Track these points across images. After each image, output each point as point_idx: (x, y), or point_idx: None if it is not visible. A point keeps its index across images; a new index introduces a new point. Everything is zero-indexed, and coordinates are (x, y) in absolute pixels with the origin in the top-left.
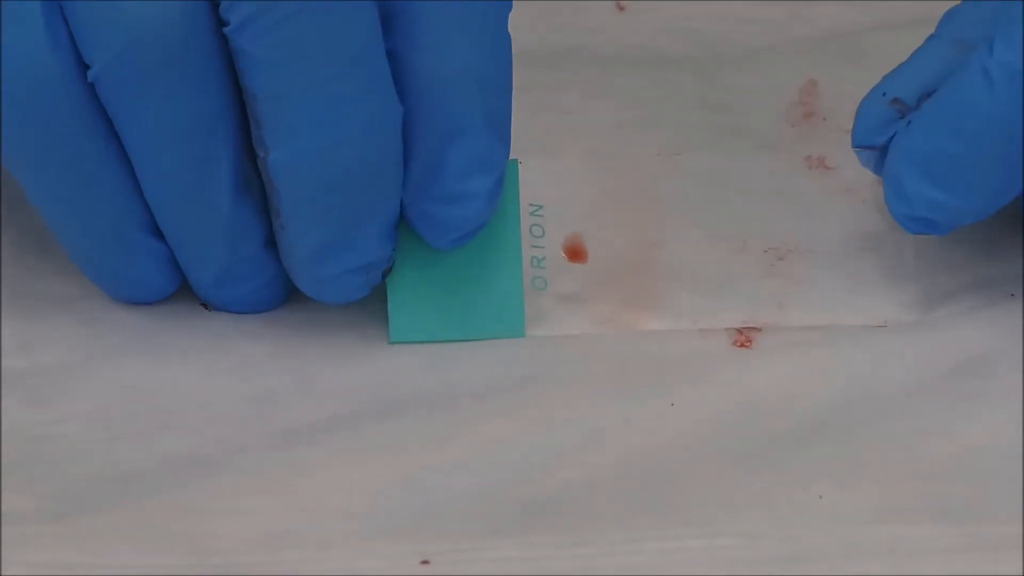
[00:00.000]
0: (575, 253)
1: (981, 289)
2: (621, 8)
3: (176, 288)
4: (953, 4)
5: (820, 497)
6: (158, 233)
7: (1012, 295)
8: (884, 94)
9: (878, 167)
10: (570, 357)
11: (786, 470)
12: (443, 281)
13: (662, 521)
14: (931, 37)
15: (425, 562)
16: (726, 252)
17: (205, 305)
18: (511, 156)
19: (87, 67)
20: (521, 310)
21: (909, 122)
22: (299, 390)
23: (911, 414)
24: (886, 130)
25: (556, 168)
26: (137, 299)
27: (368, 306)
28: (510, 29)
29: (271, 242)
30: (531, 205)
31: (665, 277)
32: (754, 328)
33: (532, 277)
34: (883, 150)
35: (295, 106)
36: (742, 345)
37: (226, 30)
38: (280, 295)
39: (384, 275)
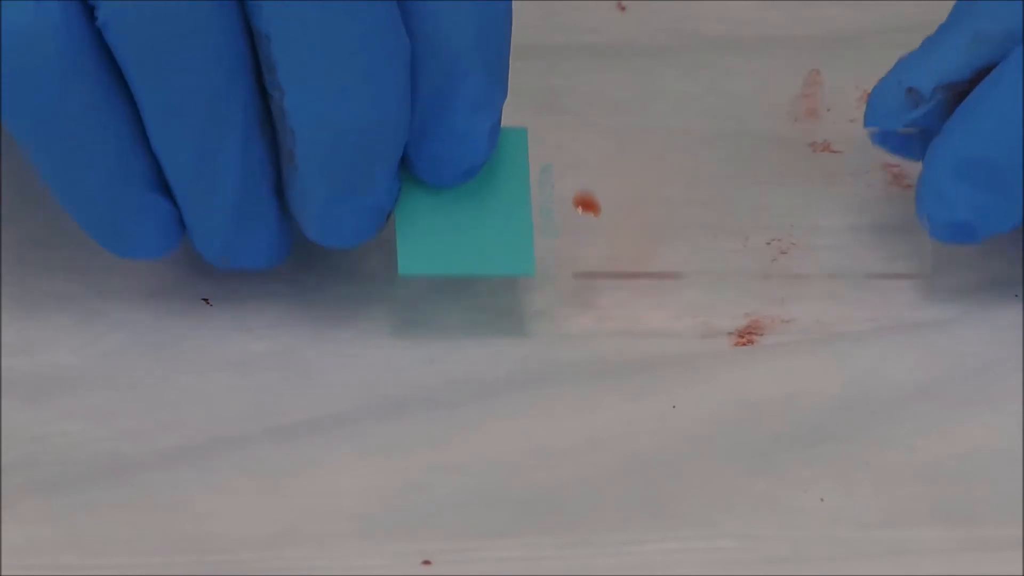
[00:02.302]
0: (586, 204)
1: (984, 289)
2: (622, 8)
3: (176, 247)
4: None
5: (821, 500)
6: (162, 189)
7: (1016, 296)
8: (899, 82)
9: (889, 147)
10: (570, 357)
11: (787, 471)
12: (453, 216)
13: (662, 522)
14: (946, 26)
15: (426, 562)
16: (728, 246)
17: (206, 300)
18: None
19: (94, 15)
20: (531, 248)
21: (927, 118)
22: (299, 389)
23: (912, 415)
24: (898, 118)
25: (563, 134)
26: (137, 255)
27: (370, 305)
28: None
29: (279, 191)
30: (540, 167)
31: (666, 273)
32: (755, 329)
33: (543, 224)
34: (894, 134)
35: (308, 45)
36: (744, 346)
37: None
38: (285, 249)
39: (388, 217)
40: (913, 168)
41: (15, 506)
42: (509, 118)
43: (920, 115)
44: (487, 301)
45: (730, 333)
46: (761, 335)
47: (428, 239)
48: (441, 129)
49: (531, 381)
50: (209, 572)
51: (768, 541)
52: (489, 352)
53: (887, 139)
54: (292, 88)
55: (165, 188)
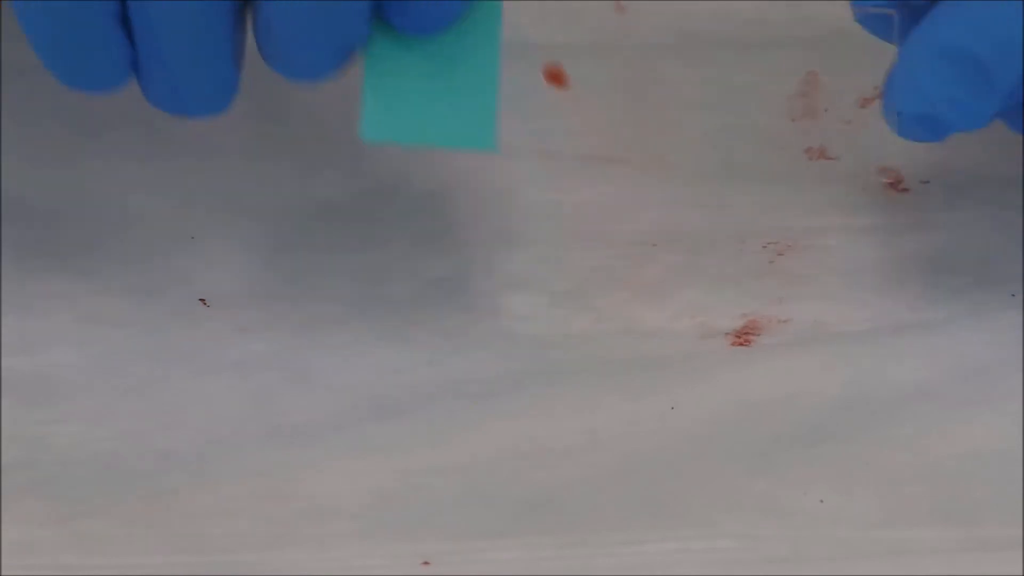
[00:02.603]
0: (554, 76)
1: (984, 289)
2: (621, 8)
3: (123, 84)
4: None
5: (821, 500)
6: (123, 24)
7: (1012, 295)
8: None
9: (870, 27)
10: (570, 357)
11: (786, 471)
12: (421, 85)
13: (662, 521)
14: None
15: (426, 563)
16: (725, 249)
17: (203, 300)
18: None
19: None
20: (494, 124)
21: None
22: (298, 390)
23: (911, 416)
24: None
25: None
26: (84, 87)
27: (369, 305)
28: (508, 27)
29: (237, 36)
30: (513, 39)
31: (665, 272)
32: (752, 329)
33: (512, 97)
34: (875, 14)
35: None
36: (742, 347)
37: None
38: (231, 96)
39: (352, 58)
40: (911, 172)
41: (15, 506)
42: (507, 115)
43: None
44: (487, 301)
45: (728, 333)
46: (759, 335)
47: (393, 108)
48: None
49: (531, 381)
50: (209, 572)
51: (768, 541)
52: (489, 352)
53: (868, 19)
54: None
55: (126, 24)
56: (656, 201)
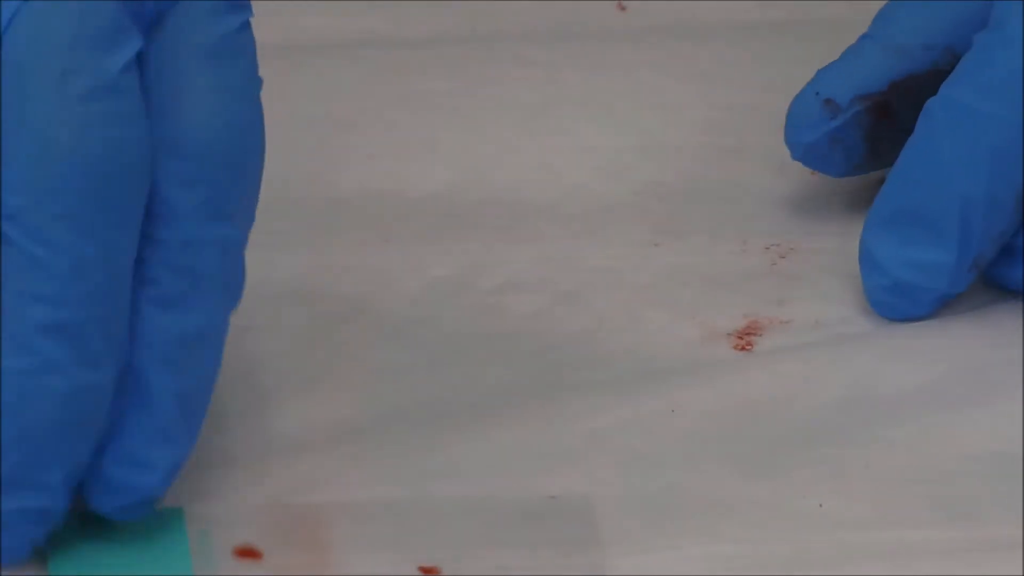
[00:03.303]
0: (246, 554)
1: (984, 290)
2: (622, 8)
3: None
4: None
5: (821, 501)
6: None
7: (1016, 295)
8: (817, 93)
9: (809, 162)
10: (570, 358)
11: (787, 473)
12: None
13: (662, 523)
14: (865, 36)
15: (426, 567)
16: (727, 251)
17: None
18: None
19: None
20: None
21: (844, 129)
22: (299, 391)
23: (912, 415)
24: (816, 129)
25: None
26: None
27: (370, 305)
28: (508, 27)
29: None
30: (199, 531)
31: (665, 272)
32: (754, 330)
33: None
34: (812, 147)
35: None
36: (742, 348)
37: None
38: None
39: (48, 536)
40: None
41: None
42: (511, 115)
43: (837, 126)
44: (487, 301)
45: (729, 334)
46: (760, 336)
47: None
48: (116, 449)
49: (531, 381)
50: (209, 573)
51: (768, 542)
52: (489, 352)
53: (807, 153)
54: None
55: None
56: (657, 201)
